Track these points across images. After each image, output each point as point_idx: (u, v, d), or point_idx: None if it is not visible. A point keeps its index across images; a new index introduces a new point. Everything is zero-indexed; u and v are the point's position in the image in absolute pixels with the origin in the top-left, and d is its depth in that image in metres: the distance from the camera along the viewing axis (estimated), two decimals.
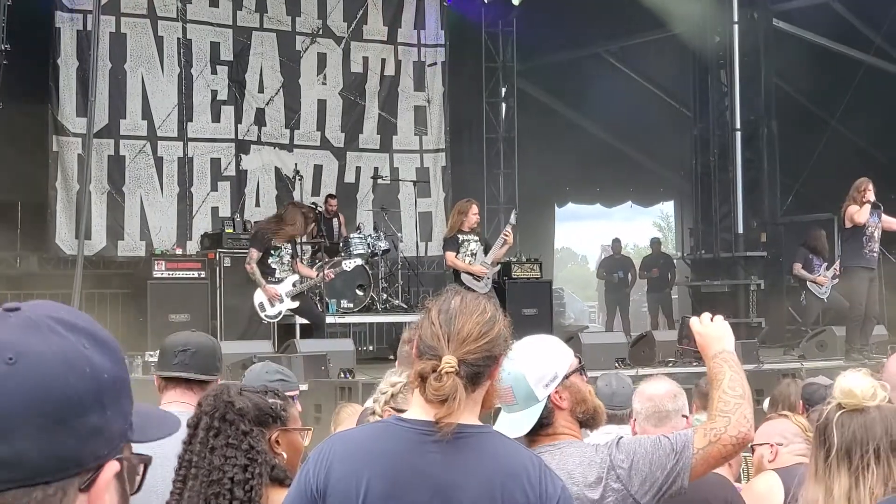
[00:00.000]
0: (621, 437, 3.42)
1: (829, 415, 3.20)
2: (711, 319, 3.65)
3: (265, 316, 12.94)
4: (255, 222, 15.76)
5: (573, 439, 3.41)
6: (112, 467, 1.35)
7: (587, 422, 3.47)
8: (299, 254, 13.57)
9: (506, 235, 13.03)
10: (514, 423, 3.38)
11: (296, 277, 12.99)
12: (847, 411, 3.18)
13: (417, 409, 2.84)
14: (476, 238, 13.04)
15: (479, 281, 12.77)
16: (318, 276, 13.38)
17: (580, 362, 3.52)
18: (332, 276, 13.61)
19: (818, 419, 3.26)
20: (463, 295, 2.92)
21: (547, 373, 3.39)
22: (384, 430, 2.90)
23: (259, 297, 12.85)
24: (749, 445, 3.84)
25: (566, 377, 3.42)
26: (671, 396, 4.30)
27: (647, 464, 3.27)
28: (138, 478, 1.44)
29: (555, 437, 3.39)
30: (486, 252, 12.96)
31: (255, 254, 12.74)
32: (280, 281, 12.87)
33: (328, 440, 2.95)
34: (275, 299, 12.81)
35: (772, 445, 4.58)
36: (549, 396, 3.38)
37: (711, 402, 3.46)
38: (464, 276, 12.82)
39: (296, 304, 12.99)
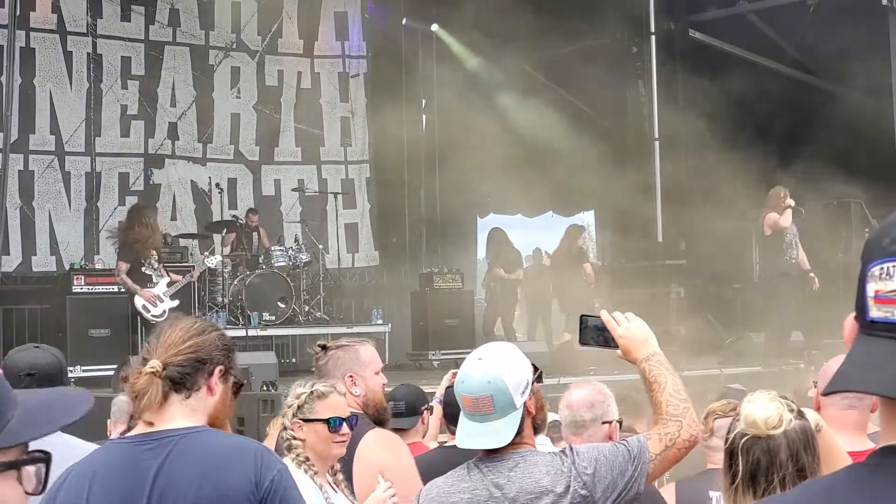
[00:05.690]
0: (576, 446, 3.43)
1: (735, 440, 3.13)
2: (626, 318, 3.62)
3: (151, 317, 13.04)
4: (175, 237, 16.25)
5: (531, 448, 3.38)
6: None
7: (539, 428, 3.53)
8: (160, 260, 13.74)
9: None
10: (495, 433, 3.30)
11: (168, 279, 13.35)
12: (752, 437, 3.11)
13: (138, 427, 3.09)
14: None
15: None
16: (185, 277, 13.84)
17: (536, 368, 3.51)
18: (196, 276, 14.36)
19: (725, 442, 3.18)
20: (181, 315, 3.21)
21: (522, 379, 3.37)
22: (105, 450, 3.13)
23: (139, 301, 13.09)
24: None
25: (531, 383, 3.41)
26: (588, 405, 4.31)
27: (609, 470, 3.30)
28: (34, 479, 1.35)
29: (518, 446, 3.35)
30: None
31: (123, 266, 13.21)
32: (155, 285, 13.21)
33: (62, 473, 3.11)
34: (154, 300, 13.09)
35: None
36: (524, 404, 3.35)
37: (658, 406, 3.47)
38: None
39: (176, 303, 13.32)
